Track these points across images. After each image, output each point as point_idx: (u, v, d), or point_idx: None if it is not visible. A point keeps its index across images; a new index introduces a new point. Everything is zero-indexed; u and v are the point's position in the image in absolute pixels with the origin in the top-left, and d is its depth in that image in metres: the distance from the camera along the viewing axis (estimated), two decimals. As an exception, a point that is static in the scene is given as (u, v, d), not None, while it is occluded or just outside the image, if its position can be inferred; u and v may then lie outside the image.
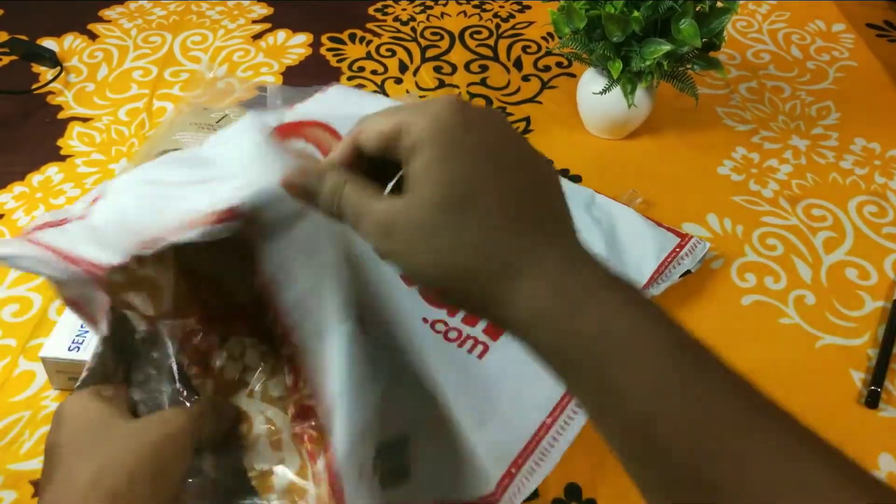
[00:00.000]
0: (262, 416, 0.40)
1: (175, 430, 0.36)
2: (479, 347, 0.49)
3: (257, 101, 0.75)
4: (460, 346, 0.49)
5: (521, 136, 0.30)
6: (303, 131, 0.57)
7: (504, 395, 0.46)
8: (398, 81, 0.80)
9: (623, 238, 0.58)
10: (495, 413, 0.45)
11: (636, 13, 0.60)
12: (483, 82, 0.81)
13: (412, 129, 0.27)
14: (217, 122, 0.71)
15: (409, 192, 0.28)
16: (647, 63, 0.63)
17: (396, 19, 0.90)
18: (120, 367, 0.40)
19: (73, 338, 0.49)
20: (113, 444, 0.34)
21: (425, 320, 0.50)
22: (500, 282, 0.26)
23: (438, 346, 0.49)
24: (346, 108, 0.63)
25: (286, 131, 0.56)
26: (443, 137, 0.27)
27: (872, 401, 0.52)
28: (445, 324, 0.50)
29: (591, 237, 0.58)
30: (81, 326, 0.50)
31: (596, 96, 0.68)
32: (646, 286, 0.54)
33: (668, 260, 0.57)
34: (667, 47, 0.61)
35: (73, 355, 0.48)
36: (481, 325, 0.50)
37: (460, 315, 0.51)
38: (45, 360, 0.49)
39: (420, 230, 0.27)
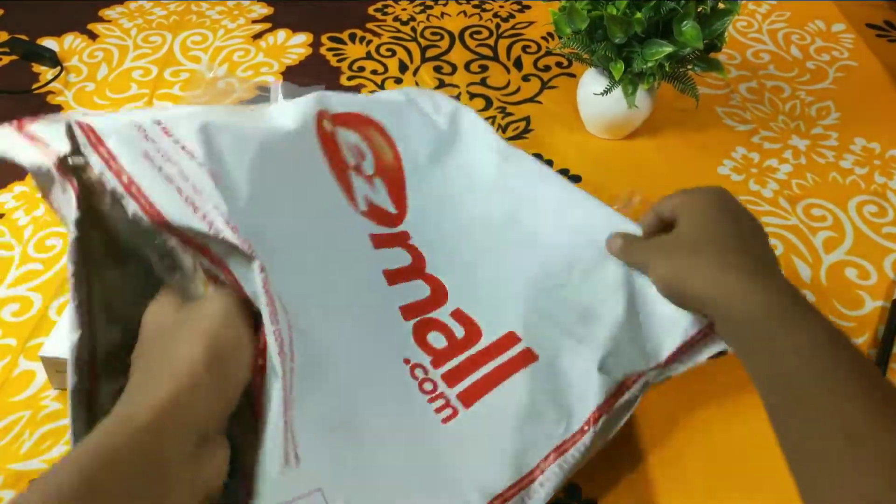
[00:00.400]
0: None
1: (239, 301, 0.35)
2: (448, 411, 0.45)
3: (258, 101, 0.75)
4: (431, 401, 0.45)
5: (748, 216, 0.45)
6: (361, 128, 0.55)
7: (454, 471, 0.42)
8: (398, 81, 0.80)
9: (650, 309, 0.47)
10: (434, 488, 0.42)
11: (638, 14, 0.60)
12: (483, 82, 0.81)
13: (686, 204, 0.46)
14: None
15: (675, 233, 0.45)
16: (649, 64, 0.63)
17: (396, 19, 0.90)
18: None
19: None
20: (182, 330, 0.34)
21: (407, 361, 0.47)
22: (708, 298, 0.41)
23: (409, 394, 0.46)
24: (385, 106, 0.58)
25: (346, 121, 0.53)
26: (697, 210, 0.45)
27: (872, 401, 0.52)
28: (425, 371, 0.47)
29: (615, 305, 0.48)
30: None
31: (596, 96, 0.68)
32: (666, 363, 0.46)
33: (698, 338, 0.46)
34: (669, 49, 0.61)
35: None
36: (459, 387, 0.46)
37: (444, 368, 0.47)
38: (44, 360, 0.49)
39: (677, 254, 0.44)
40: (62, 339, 0.49)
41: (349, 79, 0.80)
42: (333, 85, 0.79)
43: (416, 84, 0.80)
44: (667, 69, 0.64)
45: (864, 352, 0.56)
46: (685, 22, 0.61)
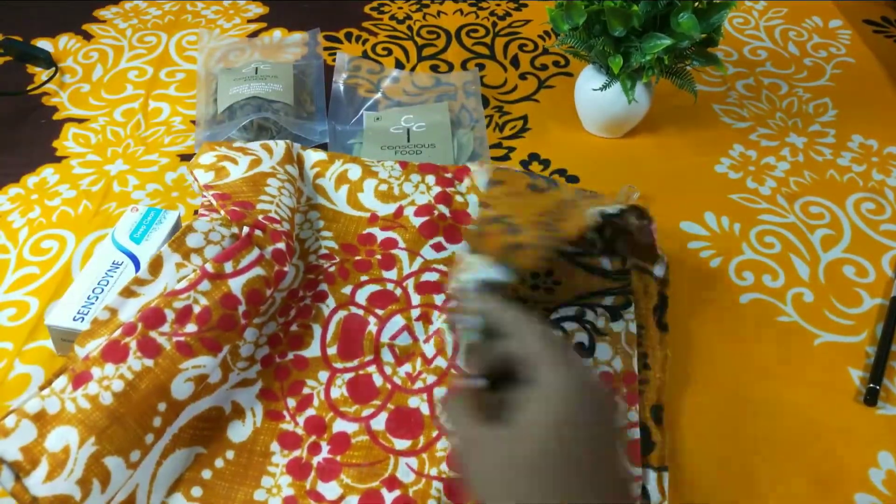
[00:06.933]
0: None
1: None
2: None
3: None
4: None
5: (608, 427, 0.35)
6: None
7: None
8: (395, 81, 0.80)
9: None
10: None
11: (635, 7, 0.60)
12: (480, 81, 0.80)
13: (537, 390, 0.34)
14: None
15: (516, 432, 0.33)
16: (648, 58, 0.62)
17: (392, 18, 0.90)
18: None
19: (80, 308, 0.50)
20: None
21: None
22: None
23: None
24: None
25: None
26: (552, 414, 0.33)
27: (871, 398, 0.52)
28: None
29: None
30: (89, 298, 0.51)
31: (594, 95, 0.68)
32: None
33: None
34: (667, 41, 0.61)
35: (77, 325, 0.49)
36: None
37: None
38: (50, 329, 0.51)
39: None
40: (68, 307, 0.50)
41: (346, 78, 0.80)
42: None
43: (413, 83, 0.79)
44: (666, 62, 0.64)
45: (863, 350, 0.56)
46: (682, 13, 0.61)
